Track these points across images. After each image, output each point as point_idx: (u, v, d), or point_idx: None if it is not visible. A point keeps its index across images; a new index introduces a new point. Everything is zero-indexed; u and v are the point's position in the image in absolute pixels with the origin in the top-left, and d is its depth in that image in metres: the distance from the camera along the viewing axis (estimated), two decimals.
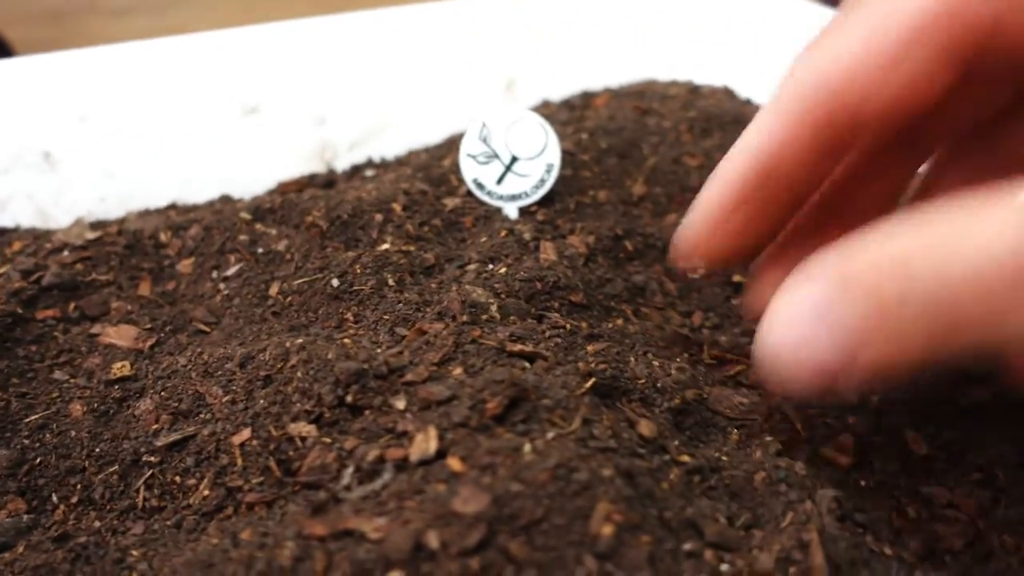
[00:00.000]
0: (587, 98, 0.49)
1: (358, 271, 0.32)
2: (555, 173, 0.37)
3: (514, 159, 0.37)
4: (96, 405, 0.29)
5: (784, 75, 0.22)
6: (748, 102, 0.48)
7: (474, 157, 0.37)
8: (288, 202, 0.38)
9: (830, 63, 0.21)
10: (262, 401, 0.26)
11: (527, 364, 0.26)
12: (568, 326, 0.29)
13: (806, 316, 0.17)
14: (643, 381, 0.26)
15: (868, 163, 0.25)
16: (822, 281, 0.17)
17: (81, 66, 0.38)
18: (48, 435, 0.28)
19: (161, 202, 0.41)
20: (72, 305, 0.34)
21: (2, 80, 0.37)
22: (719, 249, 0.24)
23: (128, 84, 0.39)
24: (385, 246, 0.34)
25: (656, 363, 0.28)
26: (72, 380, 0.31)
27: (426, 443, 0.22)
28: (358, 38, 0.44)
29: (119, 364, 0.31)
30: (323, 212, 0.36)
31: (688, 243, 0.25)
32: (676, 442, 0.25)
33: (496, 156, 0.37)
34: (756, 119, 0.23)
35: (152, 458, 0.26)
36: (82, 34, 1.10)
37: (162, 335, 0.32)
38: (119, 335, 0.32)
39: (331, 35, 0.43)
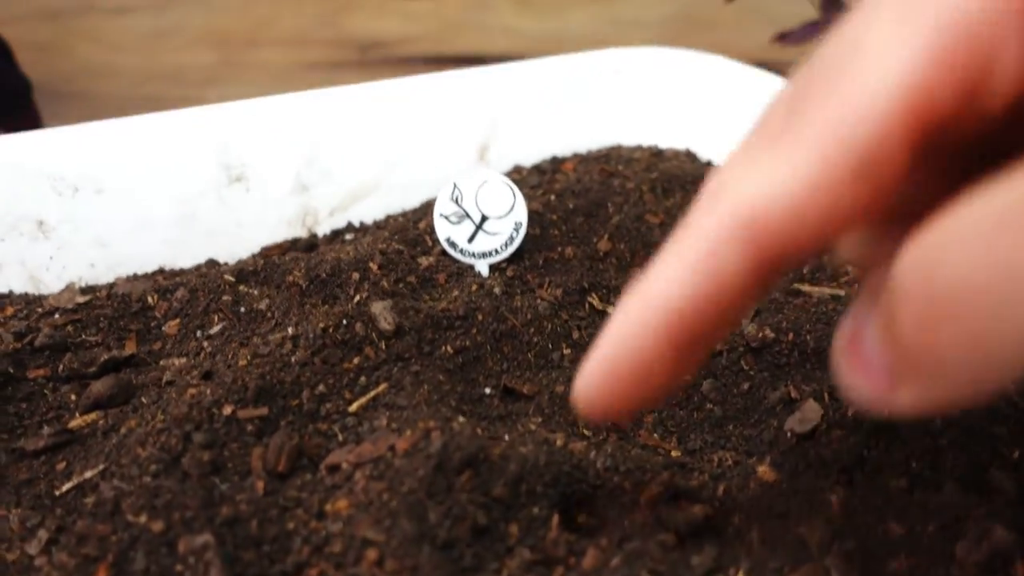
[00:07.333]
0: (556, 163, 0.51)
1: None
2: (523, 231, 0.39)
3: (484, 219, 0.39)
4: None
5: (702, 202, 0.18)
6: (709, 163, 0.51)
7: (446, 217, 0.39)
8: (270, 264, 0.40)
9: (765, 198, 0.17)
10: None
11: None
12: None
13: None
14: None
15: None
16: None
17: (75, 141, 0.41)
18: None
19: (149, 267, 0.43)
20: (61, 365, 0.35)
21: (0, 153, 0.40)
22: (629, 405, 0.20)
23: (119, 156, 0.41)
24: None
25: None
26: None
27: None
28: (338, 111, 0.46)
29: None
30: (303, 272, 0.38)
31: (592, 402, 0.20)
32: None
33: (467, 216, 0.39)
34: (664, 260, 0.19)
35: None
36: (80, 33, 1.08)
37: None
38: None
39: (312, 108, 0.45)
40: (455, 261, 0.39)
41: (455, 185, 0.39)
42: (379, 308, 0.34)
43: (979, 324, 0.15)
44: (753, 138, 0.18)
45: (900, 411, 0.17)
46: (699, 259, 0.17)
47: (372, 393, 0.32)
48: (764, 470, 0.30)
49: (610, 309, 0.37)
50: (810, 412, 0.32)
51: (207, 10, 1.15)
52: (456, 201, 0.39)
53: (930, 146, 0.17)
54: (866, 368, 0.18)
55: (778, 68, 0.68)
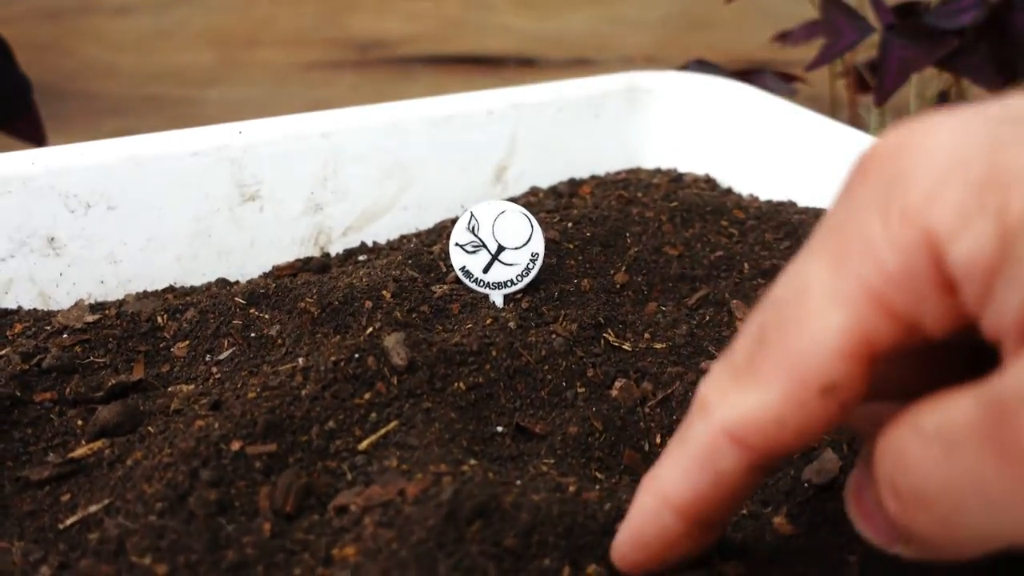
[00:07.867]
0: (574, 185, 0.51)
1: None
2: (540, 262, 0.38)
3: (501, 248, 0.38)
4: None
5: (694, 416, 0.22)
6: (728, 191, 0.50)
7: (462, 246, 0.39)
8: (282, 287, 0.39)
9: (748, 420, 0.20)
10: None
11: None
12: None
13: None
14: None
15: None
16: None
17: (88, 157, 0.40)
18: None
19: (160, 285, 0.43)
20: (68, 388, 0.35)
21: (12, 170, 0.39)
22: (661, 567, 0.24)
23: (132, 173, 0.41)
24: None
25: None
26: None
27: None
28: (353, 130, 0.46)
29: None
30: (315, 299, 0.38)
31: (630, 567, 0.25)
32: None
33: (483, 246, 0.38)
34: (670, 460, 0.23)
35: None
36: (80, 33, 1.07)
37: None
38: None
39: (327, 127, 0.45)
40: (469, 291, 0.39)
41: (472, 214, 0.39)
42: (392, 341, 0.33)
43: (943, 515, 0.18)
44: (729, 363, 0.21)
45: (904, 557, 0.21)
46: (700, 464, 0.22)
47: (383, 430, 0.31)
48: (780, 522, 0.29)
49: (626, 345, 0.37)
50: (828, 462, 0.31)
51: (207, 10, 1.14)
52: (472, 230, 0.38)
53: (888, 356, 0.19)
54: (869, 519, 0.21)
55: (778, 68, 0.67)
